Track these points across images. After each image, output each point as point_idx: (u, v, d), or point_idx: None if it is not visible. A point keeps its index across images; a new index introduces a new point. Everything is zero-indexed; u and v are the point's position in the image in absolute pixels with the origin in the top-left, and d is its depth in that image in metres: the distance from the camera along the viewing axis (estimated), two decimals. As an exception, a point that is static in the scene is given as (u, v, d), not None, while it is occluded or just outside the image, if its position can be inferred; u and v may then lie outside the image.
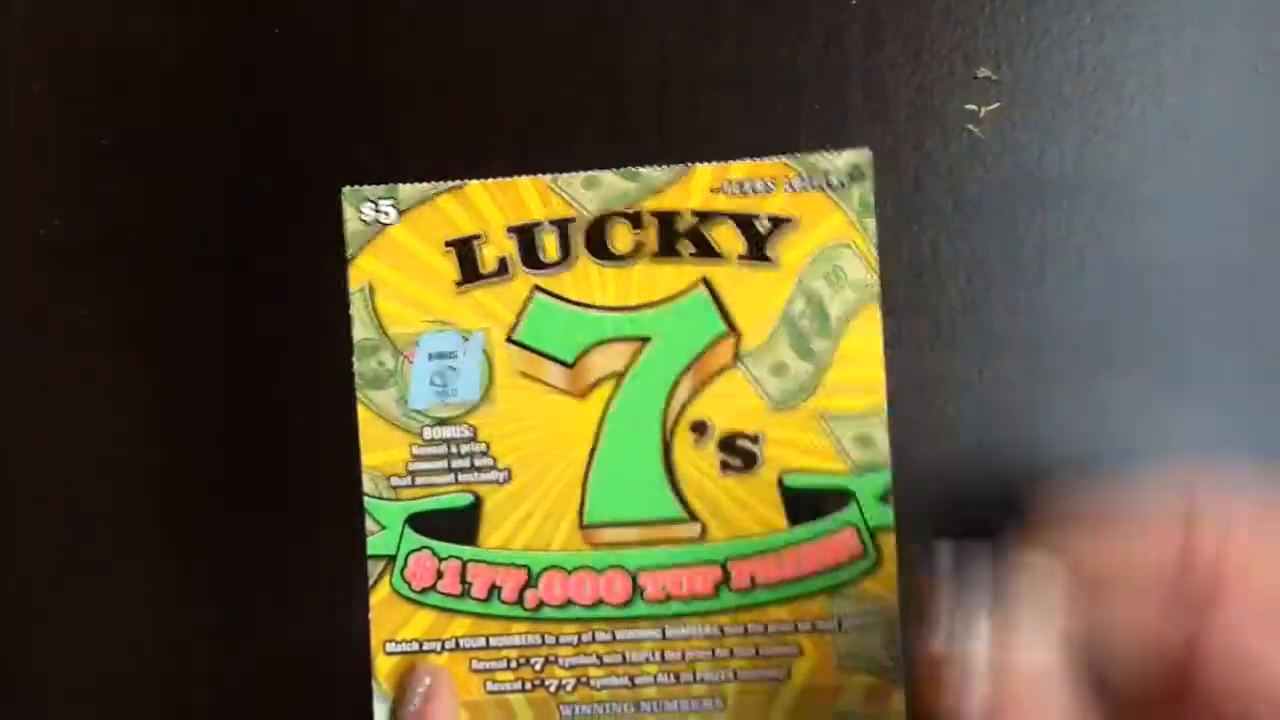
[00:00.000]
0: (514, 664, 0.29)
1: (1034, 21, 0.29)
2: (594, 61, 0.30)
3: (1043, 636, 0.21)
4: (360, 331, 0.30)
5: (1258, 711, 0.20)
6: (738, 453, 0.29)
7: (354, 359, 0.29)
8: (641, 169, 0.29)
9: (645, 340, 0.29)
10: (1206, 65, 0.29)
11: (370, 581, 0.29)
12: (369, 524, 0.29)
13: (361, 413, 0.30)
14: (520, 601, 0.29)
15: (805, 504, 0.29)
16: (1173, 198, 0.29)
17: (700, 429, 0.29)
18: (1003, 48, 0.29)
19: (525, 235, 0.29)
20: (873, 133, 0.29)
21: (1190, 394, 0.29)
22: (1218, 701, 0.20)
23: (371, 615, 0.29)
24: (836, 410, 0.29)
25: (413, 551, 0.29)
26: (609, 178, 0.29)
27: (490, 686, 0.29)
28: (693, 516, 0.29)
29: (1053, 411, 0.29)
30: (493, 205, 0.29)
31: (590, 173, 0.29)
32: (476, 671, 0.29)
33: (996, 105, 0.29)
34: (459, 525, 0.29)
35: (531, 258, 0.29)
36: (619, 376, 0.29)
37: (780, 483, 0.29)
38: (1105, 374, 0.29)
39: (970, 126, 0.29)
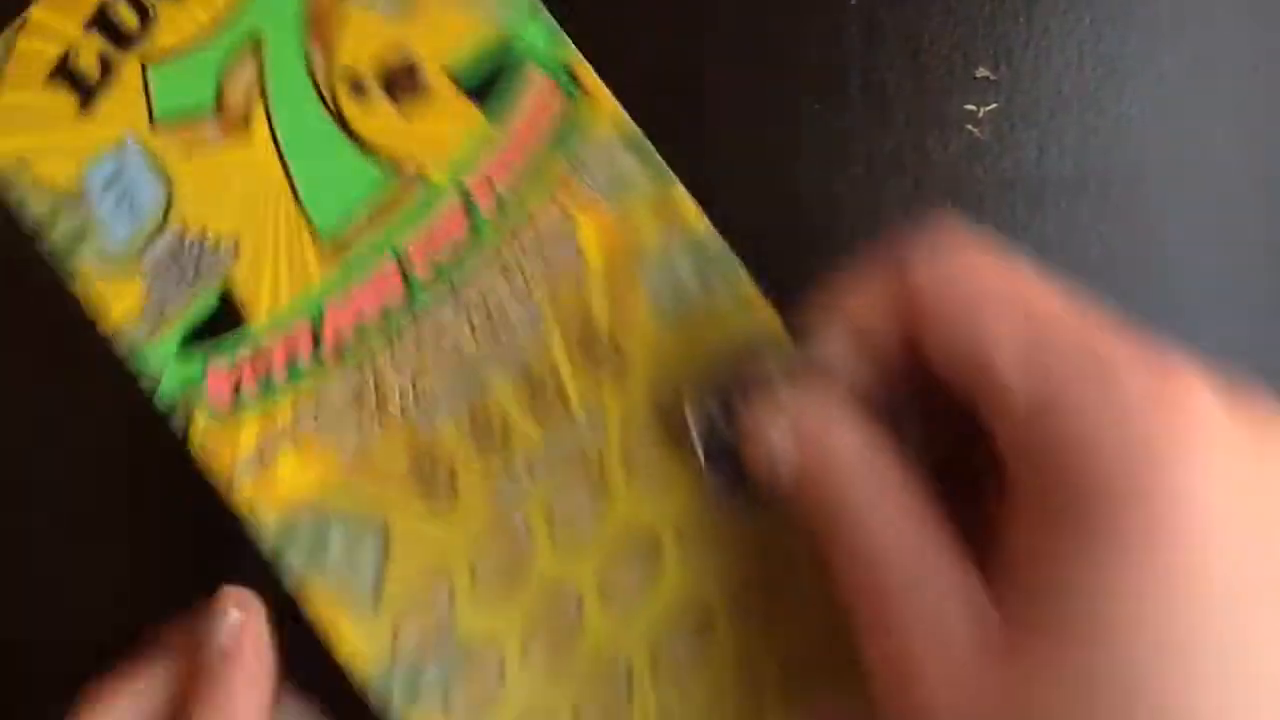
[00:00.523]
0: (348, 416, 0.28)
1: (1034, 21, 0.29)
2: (593, 61, 0.30)
3: (839, 400, 0.23)
4: (39, 209, 0.29)
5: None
6: (402, 86, 0.28)
7: (47, 237, 0.28)
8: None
9: (257, 43, 0.28)
10: (1207, 65, 0.29)
11: (182, 432, 0.28)
12: (145, 382, 0.28)
13: (85, 285, 0.28)
14: (319, 350, 0.28)
15: (487, 86, 0.28)
16: (1173, 198, 0.29)
17: (358, 87, 0.28)
18: (1002, 48, 0.29)
19: (102, 20, 0.29)
20: (872, 133, 0.29)
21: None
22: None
23: (204, 455, 0.28)
24: None
25: (197, 379, 0.28)
26: None
27: (345, 451, 0.28)
28: (405, 170, 0.28)
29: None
30: (61, 14, 0.29)
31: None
32: (324, 447, 0.28)
33: (996, 105, 0.29)
34: (223, 322, 0.28)
35: (118, 37, 0.29)
36: (260, 90, 0.28)
37: (453, 79, 0.28)
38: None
39: (970, 126, 0.29)
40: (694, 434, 0.27)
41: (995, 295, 0.21)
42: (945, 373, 0.21)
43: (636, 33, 0.30)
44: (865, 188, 0.29)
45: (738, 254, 0.28)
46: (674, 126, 0.29)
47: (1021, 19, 0.29)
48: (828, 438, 0.22)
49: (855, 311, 0.23)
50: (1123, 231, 0.29)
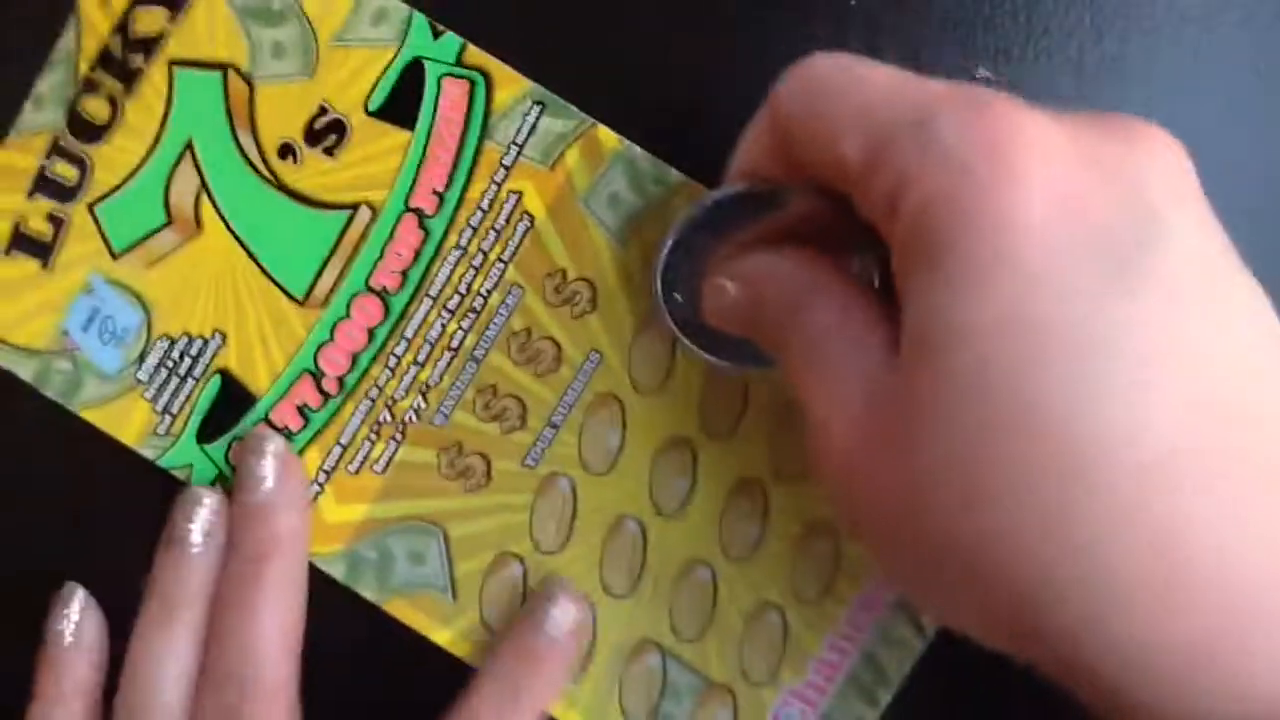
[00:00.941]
0: (370, 438, 0.30)
1: (1034, 21, 0.29)
2: (593, 61, 0.30)
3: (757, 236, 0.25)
4: (27, 373, 0.30)
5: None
6: (327, 136, 0.29)
7: (44, 392, 0.30)
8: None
9: (189, 149, 0.30)
10: (1207, 65, 0.29)
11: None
12: (180, 475, 0.30)
13: (94, 418, 0.30)
14: (324, 394, 0.30)
15: (395, 103, 0.29)
16: (1171, 197, 0.29)
17: (288, 151, 0.30)
18: (1002, 48, 0.29)
19: (43, 183, 0.30)
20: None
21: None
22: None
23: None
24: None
25: (224, 463, 0.30)
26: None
27: (377, 469, 0.30)
28: (349, 205, 0.30)
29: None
30: (2, 192, 0.30)
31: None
32: (358, 471, 0.30)
33: (997, 104, 0.29)
34: (232, 403, 0.30)
35: (62, 193, 0.30)
36: (203, 188, 0.30)
37: (373, 114, 0.29)
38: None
39: (970, 125, 0.29)
40: (666, 316, 0.28)
41: (831, 86, 0.22)
42: (815, 173, 0.22)
43: (637, 33, 0.30)
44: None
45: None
46: (675, 127, 0.30)
47: (1021, 19, 0.29)
48: (757, 272, 0.24)
49: (747, 152, 0.24)
50: (1121, 230, 0.29)
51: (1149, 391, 0.18)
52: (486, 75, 0.29)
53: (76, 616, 0.30)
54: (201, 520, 0.29)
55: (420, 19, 0.29)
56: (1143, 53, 0.29)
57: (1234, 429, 0.19)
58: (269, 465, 0.29)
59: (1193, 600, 0.18)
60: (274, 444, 0.29)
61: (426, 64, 0.29)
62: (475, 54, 0.29)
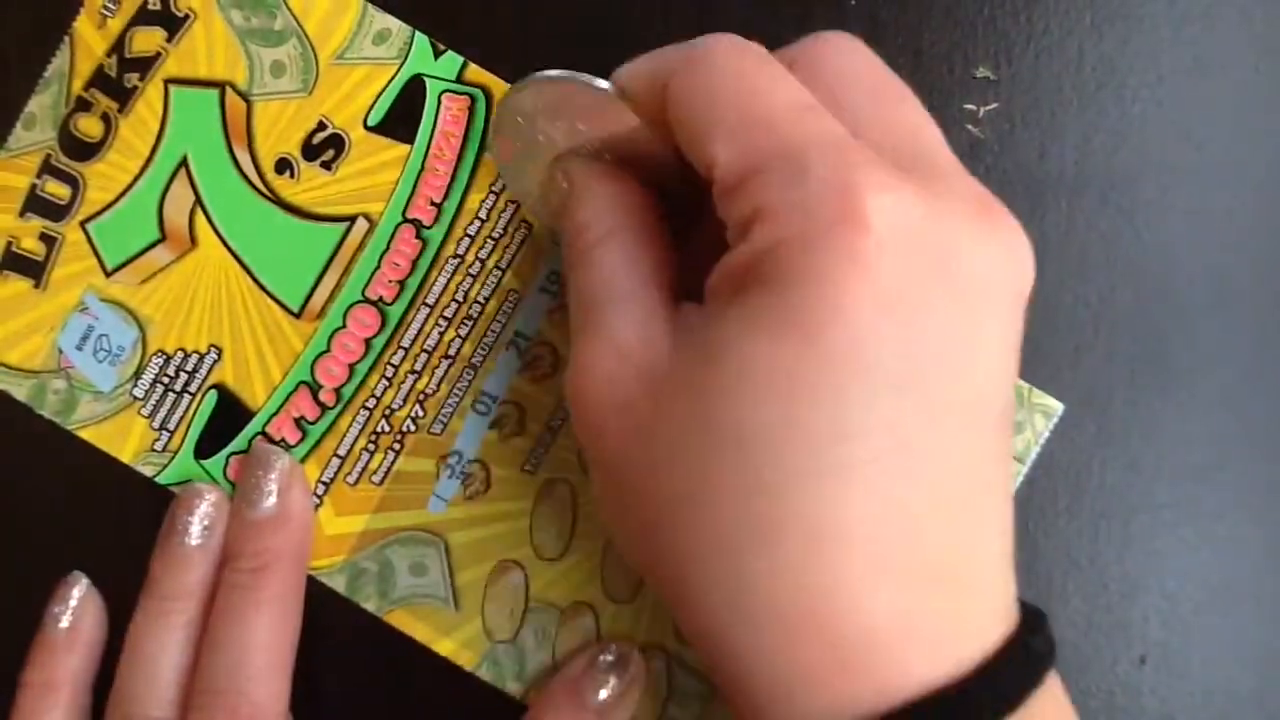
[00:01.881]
0: (369, 449, 0.30)
1: (1034, 21, 0.29)
2: (593, 62, 0.30)
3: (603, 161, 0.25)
4: (21, 393, 0.30)
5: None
6: (326, 151, 0.30)
7: (41, 414, 0.30)
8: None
9: (184, 165, 0.30)
10: (1207, 65, 0.29)
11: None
12: (179, 492, 0.30)
13: (90, 437, 0.30)
14: (321, 406, 0.30)
15: (394, 119, 0.30)
16: (1173, 198, 0.29)
17: (286, 166, 0.30)
18: (1002, 48, 0.29)
19: (34, 203, 0.30)
20: (872, 133, 0.29)
21: (1190, 393, 0.29)
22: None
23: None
24: None
25: (221, 476, 0.30)
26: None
27: (375, 479, 0.30)
28: (348, 218, 0.30)
29: (1053, 408, 0.29)
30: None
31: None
32: (356, 483, 0.30)
33: (996, 105, 0.29)
34: (230, 417, 0.30)
35: (54, 211, 0.30)
36: (198, 203, 0.30)
37: (372, 129, 0.30)
38: (1104, 374, 0.29)
39: (970, 126, 0.29)
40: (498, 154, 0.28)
41: (726, 89, 0.22)
42: (681, 142, 0.23)
43: (638, 33, 0.30)
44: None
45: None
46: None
47: (1022, 19, 0.29)
48: (577, 183, 0.25)
49: (629, 80, 0.24)
50: (1123, 231, 0.29)
51: (850, 487, 0.20)
52: (487, 91, 0.29)
53: (75, 604, 0.29)
54: (201, 513, 0.29)
55: (422, 39, 0.29)
56: (1143, 53, 0.29)
57: (913, 537, 0.20)
58: (274, 479, 0.29)
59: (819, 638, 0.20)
60: (281, 459, 0.29)
61: (427, 81, 0.29)
62: (476, 72, 0.29)
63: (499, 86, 0.29)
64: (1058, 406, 0.29)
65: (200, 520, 0.29)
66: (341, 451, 0.30)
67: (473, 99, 0.29)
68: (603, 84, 0.24)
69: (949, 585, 0.21)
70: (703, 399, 0.21)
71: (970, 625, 0.21)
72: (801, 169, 0.20)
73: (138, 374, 0.30)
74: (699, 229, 0.25)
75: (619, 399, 0.22)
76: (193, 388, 0.30)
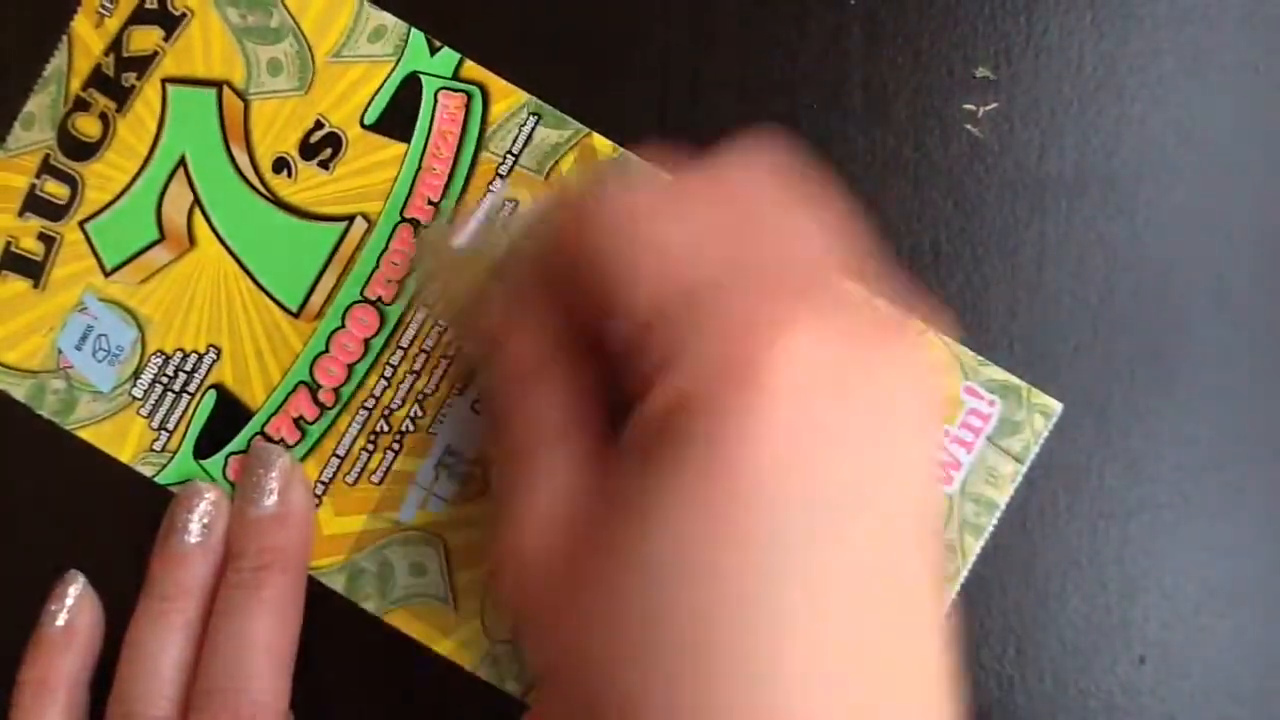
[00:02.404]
0: (368, 449, 0.30)
1: (1034, 21, 0.29)
2: (594, 61, 0.30)
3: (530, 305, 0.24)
4: (20, 393, 0.30)
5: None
6: (323, 150, 0.30)
7: (40, 414, 0.30)
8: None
9: (182, 164, 0.30)
10: (1207, 65, 0.29)
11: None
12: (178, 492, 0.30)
13: (90, 437, 0.30)
14: (320, 406, 0.30)
15: (391, 117, 0.29)
16: (1173, 198, 0.29)
17: (283, 165, 0.30)
18: (1002, 48, 0.29)
19: (33, 203, 0.30)
20: (872, 133, 0.29)
21: (1190, 394, 0.29)
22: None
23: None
24: None
25: (221, 475, 0.30)
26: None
27: (374, 479, 0.30)
28: (346, 217, 0.30)
29: (1053, 408, 0.29)
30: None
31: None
32: (355, 483, 0.30)
33: (996, 105, 0.29)
34: (229, 417, 0.30)
35: (53, 211, 0.30)
36: (196, 202, 0.30)
37: (370, 127, 0.29)
38: (1105, 374, 0.29)
39: (970, 126, 0.29)
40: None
41: (613, 232, 0.22)
42: (589, 300, 0.22)
43: (636, 31, 0.30)
44: (865, 187, 0.29)
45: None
46: (675, 127, 0.29)
47: (1022, 18, 0.29)
48: (510, 337, 0.24)
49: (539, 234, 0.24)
50: (1123, 231, 0.29)
51: (776, 625, 0.19)
52: (483, 88, 0.29)
53: (71, 602, 0.29)
54: (201, 512, 0.29)
55: (418, 35, 0.29)
56: (1143, 53, 0.29)
57: (846, 672, 0.20)
58: (275, 478, 0.29)
59: None
60: (281, 458, 0.29)
61: (424, 78, 0.29)
62: (472, 68, 0.29)
63: (495, 83, 0.29)
64: (1057, 406, 0.29)
65: (200, 519, 0.29)
66: (340, 451, 0.30)
67: (469, 96, 0.29)
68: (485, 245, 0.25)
69: (890, 707, 0.20)
70: (622, 559, 0.20)
71: None
72: (696, 318, 0.20)
73: (137, 374, 0.30)
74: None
75: (542, 556, 0.22)
76: (192, 387, 0.30)
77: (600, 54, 0.30)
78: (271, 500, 0.29)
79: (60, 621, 0.29)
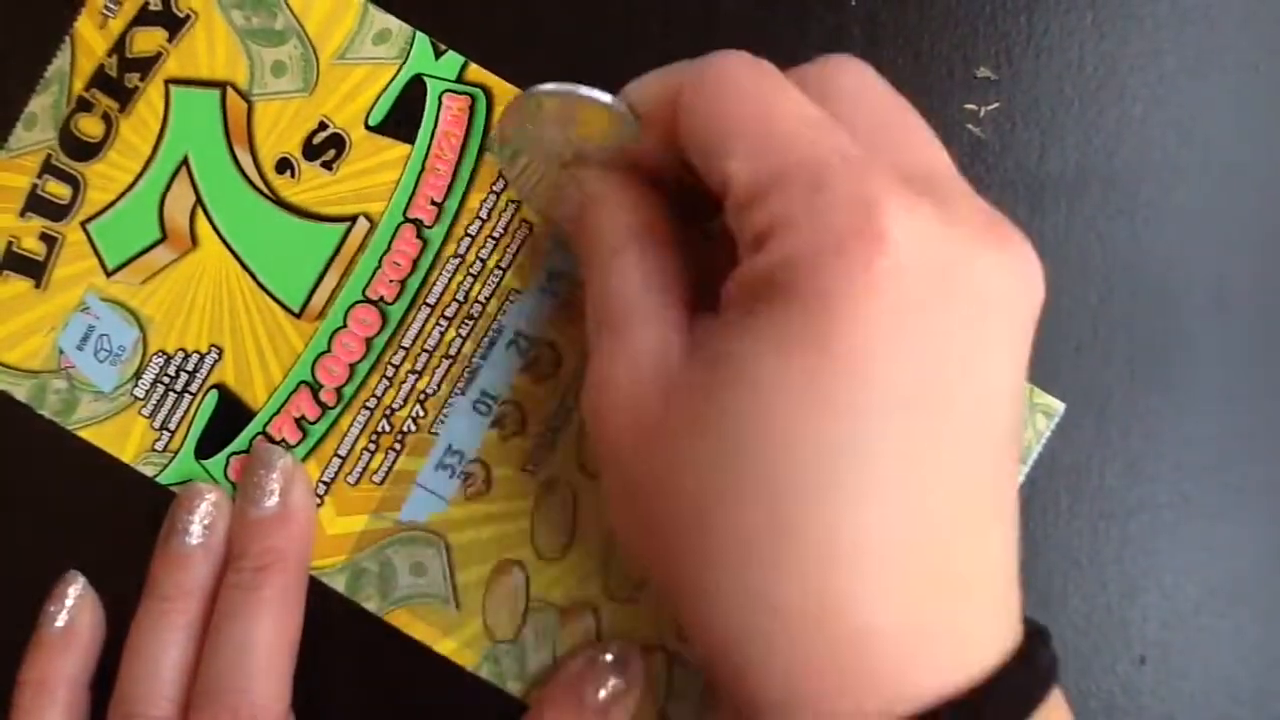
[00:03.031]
0: (369, 449, 0.30)
1: (1034, 21, 0.29)
2: (593, 61, 0.30)
3: (618, 171, 0.25)
4: (22, 393, 0.30)
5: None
6: (327, 151, 0.30)
7: (41, 414, 0.30)
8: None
9: (184, 165, 0.30)
10: (1207, 65, 0.29)
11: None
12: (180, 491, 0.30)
13: (91, 437, 0.30)
14: (322, 406, 0.30)
15: (395, 119, 0.30)
16: (1173, 198, 0.29)
17: (286, 166, 0.30)
18: (1003, 48, 0.29)
19: (35, 203, 0.30)
20: (873, 133, 0.29)
21: (1190, 394, 0.29)
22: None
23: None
24: None
25: (223, 476, 0.30)
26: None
27: (376, 479, 0.30)
28: (349, 218, 0.30)
29: (1053, 408, 0.29)
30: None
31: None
32: (357, 483, 0.30)
33: (996, 105, 0.29)
34: (231, 417, 0.30)
35: (54, 211, 0.30)
36: (198, 203, 0.30)
37: (373, 128, 0.30)
38: (1104, 374, 0.29)
39: (970, 126, 0.29)
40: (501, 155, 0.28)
41: (739, 104, 0.22)
42: (693, 156, 0.23)
43: (638, 33, 0.30)
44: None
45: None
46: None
47: (1022, 19, 0.29)
48: (600, 212, 0.25)
49: (639, 95, 0.24)
50: (1123, 231, 0.29)
51: (861, 501, 0.20)
52: (487, 91, 0.29)
53: (71, 603, 0.29)
54: (202, 513, 0.29)
55: (423, 39, 0.29)
56: (1143, 53, 0.29)
57: (922, 551, 0.20)
58: (276, 478, 0.29)
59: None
60: (282, 458, 0.29)
61: (428, 81, 0.29)
62: (477, 71, 0.29)
63: (500, 86, 0.29)
64: (1059, 406, 0.29)
65: (201, 520, 0.29)
66: (342, 451, 0.30)
67: (473, 99, 0.29)
68: (606, 98, 0.24)
69: (957, 600, 0.21)
70: (718, 409, 0.21)
71: (977, 639, 0.21)
72: (819, 183, 0.20)
73: (138, 374, 0.30)
74: (708, 241, 0.25)
75: (636, 408, 0.22)
76: (193, 388, 0.30)
77: (602, 57, 0.30)
78: (273, 501, 0.29)
79: (60, 622, 0.29)
